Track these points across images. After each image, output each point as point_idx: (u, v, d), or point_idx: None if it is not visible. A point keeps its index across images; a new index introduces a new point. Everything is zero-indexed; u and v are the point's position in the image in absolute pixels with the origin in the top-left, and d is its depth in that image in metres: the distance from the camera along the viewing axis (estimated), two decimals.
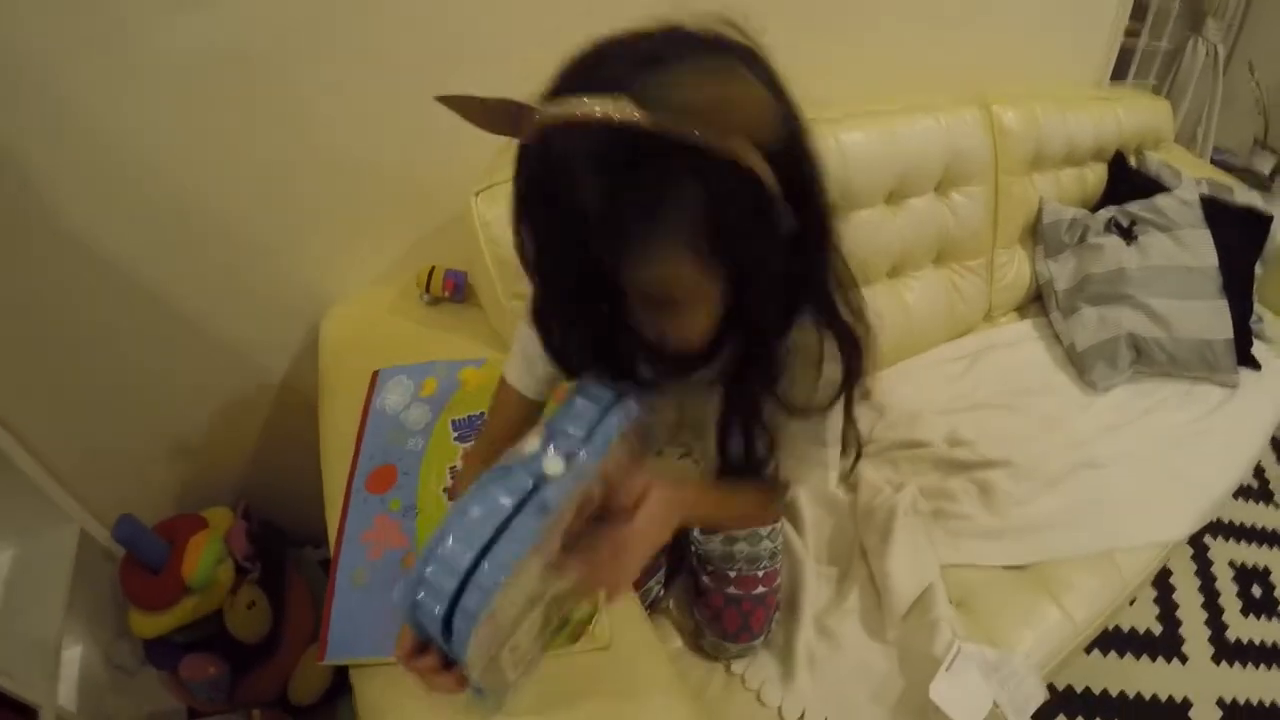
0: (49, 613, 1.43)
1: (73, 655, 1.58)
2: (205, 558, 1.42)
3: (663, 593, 1.26)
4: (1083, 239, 1.81)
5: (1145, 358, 1.65)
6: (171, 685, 1.55)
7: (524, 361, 0.93)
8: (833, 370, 0.78)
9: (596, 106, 0.55)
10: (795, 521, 1.34)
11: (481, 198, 1.21)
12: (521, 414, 0.97)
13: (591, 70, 0.59)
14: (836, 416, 0.84)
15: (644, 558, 0.76)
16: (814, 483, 0.98)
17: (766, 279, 0.67)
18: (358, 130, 1.34)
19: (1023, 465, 1.38)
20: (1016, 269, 1.84)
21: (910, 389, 1.59)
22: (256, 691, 1.54)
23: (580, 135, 0.56)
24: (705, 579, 1.21)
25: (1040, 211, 1.83)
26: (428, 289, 1.37)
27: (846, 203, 1.50)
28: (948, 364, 1.68)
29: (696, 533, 1.23)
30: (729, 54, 0.62)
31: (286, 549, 1.66)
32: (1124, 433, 1.51)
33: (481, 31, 1.32)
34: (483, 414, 1.16)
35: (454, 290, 1.36)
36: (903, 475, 1.38)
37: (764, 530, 1.19)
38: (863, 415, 1.44)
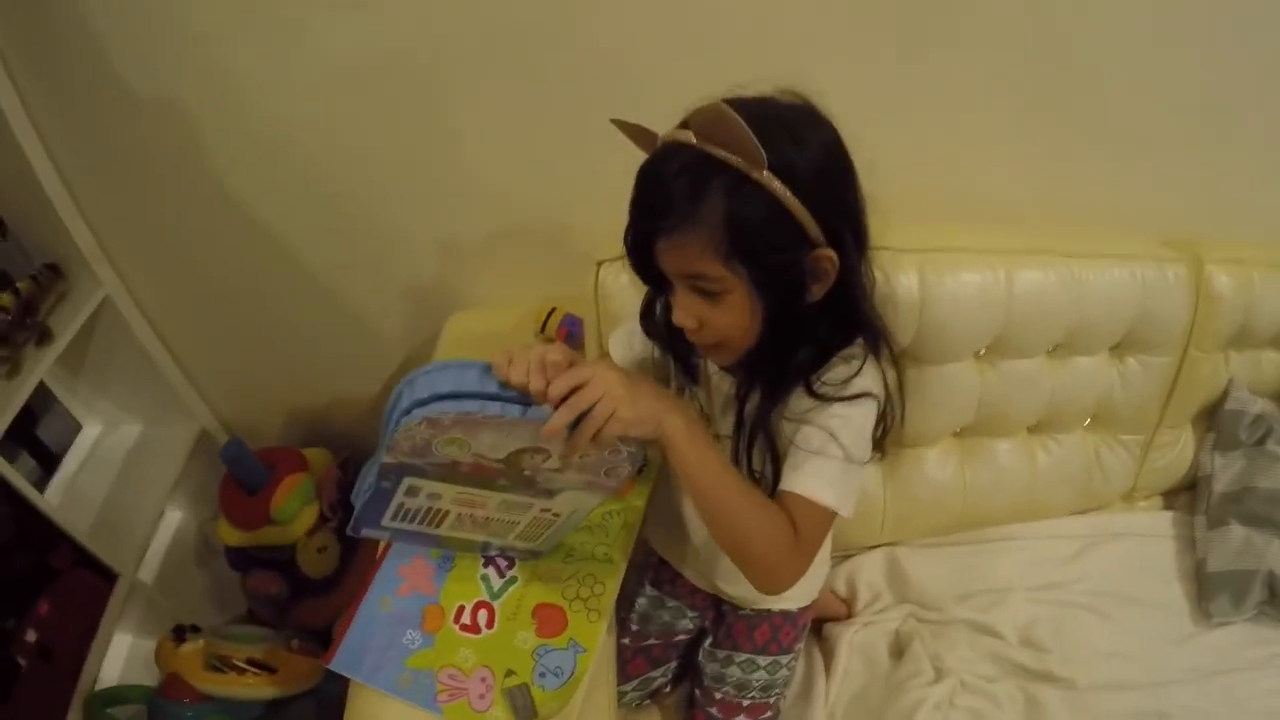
0: (154, 494, 1.61)
1: (172, 520, 1.77)
2: (294, 499, 1.54)
3: (668, 689, 1.28)
4: (1261, 442, 1.59)
5: (1278, 601, 1.45)
6: (240, 587, 1.70)
7: (625, 337, 1.12)
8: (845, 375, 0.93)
9: (677, 133, 0.81)
10: (828, 660, 1.30)
11: (605, 268, 1.21)
12: None
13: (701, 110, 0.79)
14: (854, 431, 0.92)
15: (615, 386, 0.77)
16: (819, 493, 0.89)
17: (785, 289, 0.84)
18: (503, 153, 1.38)
19: (1085, 691, 1.25)
20: (1178, 452, 1.62)
21: (1009, 561, 1.47)
22: (308, 617, 1.67)
23: (672, 149, 0.81)
24: (697, 691, 1.24)
25: (1225, 395, 1.62)
26: (543, 328, 1.39)
27: (1003, 350, 1.38)
28: (1060, 541, 1.52)
29: (707, 644, 1.24)
30: (797, 122, 0.82)
31: None
32: (1212, 685, 1.30)
33: (623, 84, 1.31)
34: None
35: (566, 338, 1.37)
36: (956, 659, 1.28)
37: (762, 660, 1.20)
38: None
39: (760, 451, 0.96)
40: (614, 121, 0.87)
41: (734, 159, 0.76)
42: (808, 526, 0.89)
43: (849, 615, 1.41)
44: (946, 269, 1.28)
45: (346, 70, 1.27)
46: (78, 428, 1.73)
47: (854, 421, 0.91)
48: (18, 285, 1.33)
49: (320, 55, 1.25)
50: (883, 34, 1.30)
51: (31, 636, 1.32)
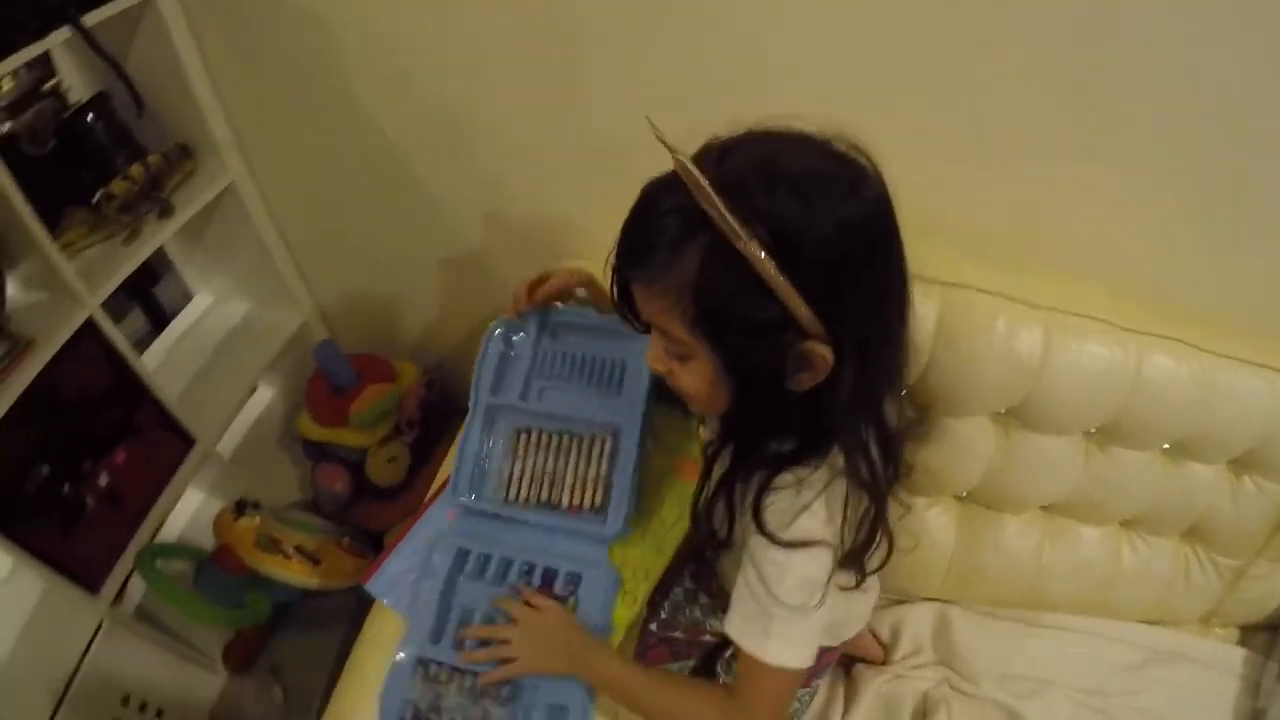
0: (247, 372, 1.68)
1: (261, 399, 1.85)
2: (374, 408, 1.57)
3: None
4: None
5: None
6: (310, 475, 1.75)
7: None
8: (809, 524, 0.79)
9: (685, 161, 0.66)
10: (849, 701, 1.27)
11: None
12: None
13: (719, 145, 0.71)
14: (791, 584, 0.80)
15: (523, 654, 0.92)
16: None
17: (756, 373, 0.72)
18: (637, 116, 1.33)
19: None
20: (1270, 588, 1.49)
21: (1062, 653, 1.38)
22: (366, 519, 1.72)
23: (676, 182, 0.66)
24: None
25: None
26: None
27: (1115, 435, 1.30)
28: (1122, 647, 1.43)
29: (727, 655, 1.20)
30: (821, 186, 0.67)
31: (452, 419, 1.79)
32: None
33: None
34: None
35: None
36: None
37: None
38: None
39: (720, 514, 0.87)
40: (649, 120, 0.71)
41: (719, 217, 0.63)
42: (749, 681, 0.85)
43: (884, 661, 1.36)
44: (1074, 334, 1.20)
45: (492, 10, 1.25)
46: (190, 296, 1.81)
47: (791, 572, 0.79)
48: (149, 159, 1.39)
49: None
50: (1064, 86, 1.18)
51: (104, 480, 1.38)
